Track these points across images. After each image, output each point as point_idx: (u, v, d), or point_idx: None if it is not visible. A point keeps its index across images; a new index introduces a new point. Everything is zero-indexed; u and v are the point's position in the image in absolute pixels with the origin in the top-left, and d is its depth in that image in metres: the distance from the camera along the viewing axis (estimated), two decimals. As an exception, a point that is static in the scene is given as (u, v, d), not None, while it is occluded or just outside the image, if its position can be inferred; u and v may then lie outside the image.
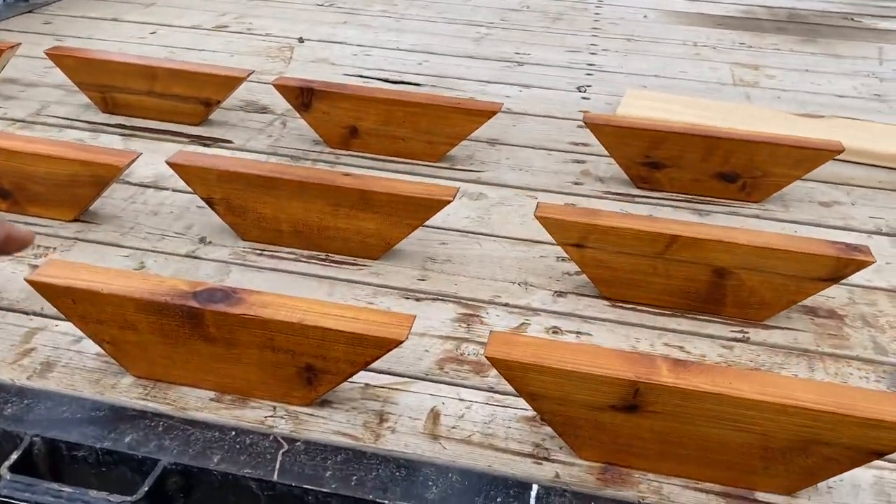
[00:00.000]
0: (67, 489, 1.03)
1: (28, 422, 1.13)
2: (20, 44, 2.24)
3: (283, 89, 1.97)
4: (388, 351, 1.10)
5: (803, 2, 3.80)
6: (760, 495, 1.06)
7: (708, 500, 1.05)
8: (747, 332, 1.40)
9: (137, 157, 1.57)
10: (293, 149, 2.02)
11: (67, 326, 1.32)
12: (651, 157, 1.84)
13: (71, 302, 1.15)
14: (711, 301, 1.42)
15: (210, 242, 1.59)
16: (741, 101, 2.51)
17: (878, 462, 1.07)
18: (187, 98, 2.05)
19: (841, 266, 1.33)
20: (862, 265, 1.32)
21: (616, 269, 1.43)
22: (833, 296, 1.48)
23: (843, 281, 1.38)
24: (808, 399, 0.98)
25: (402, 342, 1.08)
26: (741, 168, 1.81)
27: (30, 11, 3.03)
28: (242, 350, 1.14)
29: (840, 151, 1.76)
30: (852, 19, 3.57)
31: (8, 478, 1.04)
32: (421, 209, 1.48)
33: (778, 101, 2.53)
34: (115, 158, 1.54)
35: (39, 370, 1.22)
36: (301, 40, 2.86)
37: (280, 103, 2.27)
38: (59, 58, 2.09)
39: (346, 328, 1.09)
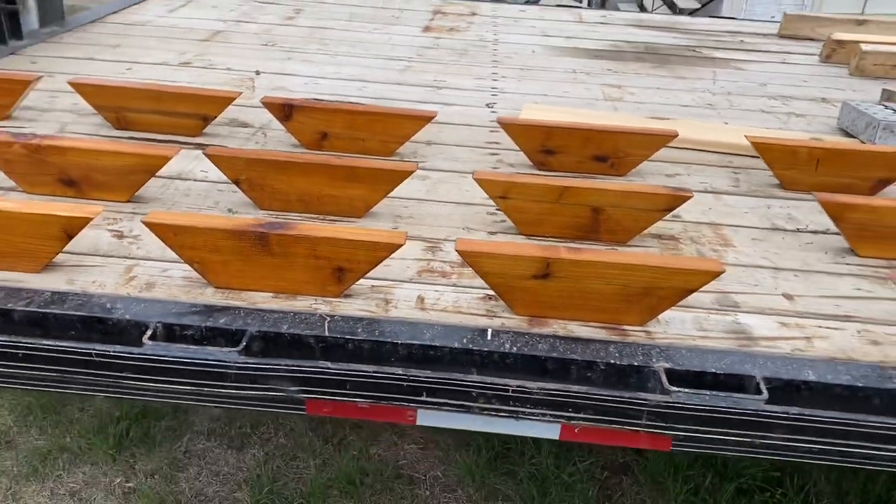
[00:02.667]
0: (192, 347, 1.59)
1: (149, 316, 1.67)
2: (42, 76, 2.74)
3: (270, 105, 2.56)
4: (392, 252, 1.72)
5: (658, 38, 4.70)
6: (625, 327, 1.74)
7: (595, 332, 1.72)
8: (616, 250, 2.09)
9: (179, 150, 2.13)
10: (278, 151, 2.61)
11: (153, 263, 1.87)
12: (546, 146, 2.54)
13: (173, 234, 1.72)
14: (592, 230, 2.11)
15: (237, 213, 2.16)
16: (610, 112, 3.28)
17: (690, 304, 1.77)
18: (189, 115, 2.61)
19: (672, 200, 2.06)
20: (685, 199, 2.05)
21: (529, 212, 2.10)
22: (672, 227, 2.20)
23: (682, 219, 2.10)
24: (651, 261, 1.68)
25: (402, 245, 1.71)
26: (609, 151, 2.54)
27: (12, 53, 3.48)
28: (294, 259, 1.73)
29: (675, 136, 2.52)
30: (695, 50, 4.48)
31: (150, 343, 1.59)
32: (394, 177, 2.11)
33: (637, 110, 3.32)
34: (163, 151, 2.10)
35: (145, 287, 1.77)
36: (258, 73, 3.45)
37: (257, 119, 2.87)
38: (79, 86, 2.61)
39: (366, 238, 1.70)
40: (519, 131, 2.54)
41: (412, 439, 3.45)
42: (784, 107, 3.48)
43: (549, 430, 1.67)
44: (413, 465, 3.35)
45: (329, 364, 1.58)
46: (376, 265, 1.74)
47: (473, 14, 5.02)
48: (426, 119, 2.57)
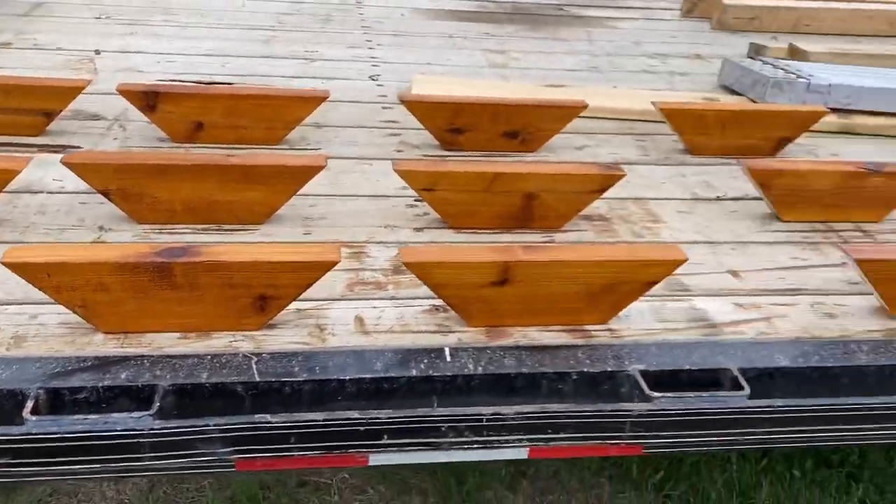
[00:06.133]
0: (91, 416, 1.27)
1: (26, 380, 1.32)
2: None
3: (127, 93, 2.16)
4: (326, 272, 1.46)
5: (522, -4, 4.58)
6: (587, 327, 1.59)
7: (558, 336, 1.56)
8: (552, 237, 1.94)
9: (30, 159, 1.73)
10: (143, 147, 2.22)
11: (17, 308, 1.49)
12: (455, 124, 2.33)
13: (46, 276, 1.36)
14: (524, 219, 1.94)
15: (109, 229, 1.79)
16: (499, 80, 3.11)
17: (648, 296, 1.65)
18: (27, 111, 2.15)
19: (605, 180, 1.92)
20: (618, 178, 1.92)
21: (458, 204, 1.89)
22: (598, 206, 2.07)
23: (604, 196, 1.97)
24: (616, 255, 1.53)
25: (337, 262, 1.45)
26: (520, 126, 2.37)
27: None
28: (204, 291, 1.43)
29: (584, 107, 2.39)
30: (562, 9, 4.39)
31: (33, 419, 1.25)
32: (300, 175, 1.83)
33: (526, 77, 3.17)
34: (8, 164, 1.69)
35: (13, 343, 1.40)
36: (98, 52, 2.96)
37: (109, 110, 2.44)
38: None
39: (293, 258, 1.43)
40: (424, 109, 2.30)
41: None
42: (663, 66, 3.47)
43: (517, 452, 1.50)
44: (318, 471, 3.12)
45: (268, 417, 1.31)
46: (306, 289, 1.47)
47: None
48: (319, 100, 2.28)
